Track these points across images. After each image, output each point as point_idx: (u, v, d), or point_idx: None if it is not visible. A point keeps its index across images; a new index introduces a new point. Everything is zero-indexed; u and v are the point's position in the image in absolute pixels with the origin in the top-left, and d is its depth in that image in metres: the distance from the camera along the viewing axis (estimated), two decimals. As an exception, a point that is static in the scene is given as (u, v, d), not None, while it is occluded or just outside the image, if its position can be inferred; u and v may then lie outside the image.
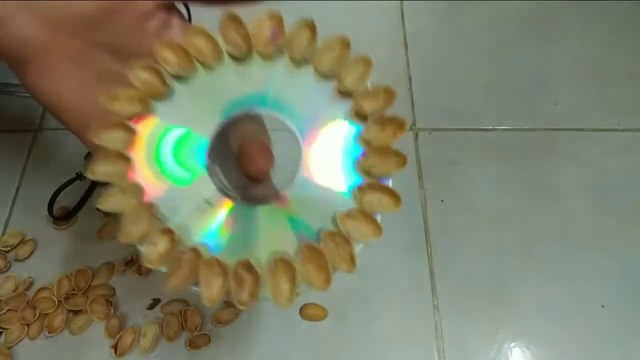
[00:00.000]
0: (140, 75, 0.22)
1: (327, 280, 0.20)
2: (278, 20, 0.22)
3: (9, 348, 0.34)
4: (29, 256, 0.38)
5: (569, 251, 0.37)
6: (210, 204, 0.22)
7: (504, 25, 0.48)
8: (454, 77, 0.45)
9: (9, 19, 0.21)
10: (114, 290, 0.36)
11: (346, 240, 0.20)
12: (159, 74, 0.22)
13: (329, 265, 0.20)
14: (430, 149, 0.42)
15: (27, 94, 0.24)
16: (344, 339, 0.34)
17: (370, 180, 0.21)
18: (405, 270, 0.37)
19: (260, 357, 0.34)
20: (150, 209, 0.21)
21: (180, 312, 0.35)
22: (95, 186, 0.40)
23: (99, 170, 0.20)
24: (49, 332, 0.34)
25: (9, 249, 0.38)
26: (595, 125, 0.42)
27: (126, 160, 0.21)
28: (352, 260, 0.20)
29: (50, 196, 0.39)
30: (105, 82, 0.23)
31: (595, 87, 0.44)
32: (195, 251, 0.20)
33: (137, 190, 0.21)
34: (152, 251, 0.20)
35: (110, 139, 0.21)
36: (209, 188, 0.22)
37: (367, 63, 0.22)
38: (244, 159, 0.23)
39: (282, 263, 0.20)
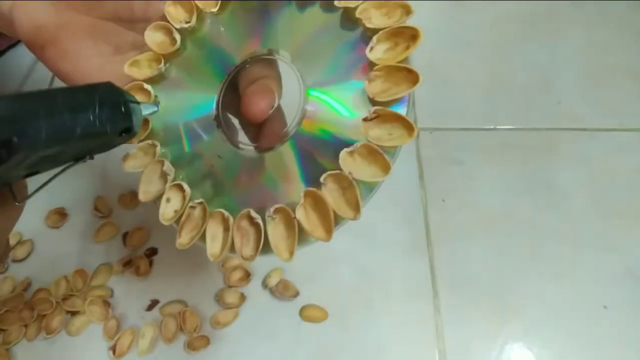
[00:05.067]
0: (153, 36, 0.23)
1: (329, 231, 0.18)
2: None
3: (7, 349, 0.34)
4: (26, 257, 0.38)
5: (570, 251, 0.37)
6: (220, 157, 0.22)
7: (506, 24, 0.48)
8: (455, 77, 0.45)
9: (21, 6, 0.21)
10: (112, 292, 0.36)
11: (351, 183, 0.18)
12: (169, 31, 0.23)
13: (330, 213, 0.18)
14: (432, 149, 0.41)
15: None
16: (344, 340, 0.34)
17: (379, 110, 0.19)
18: (406, 270, 0.36)
19: (260, 359, 0.34)
20: (161, 167, 0.21)
21: (179, 314, 0.34)
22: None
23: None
24: (47, 333, 0.34)
25: (6, 249, 0.38)
26: (597, 125, 0.42)
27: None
28: (356, 205, 0.18)
29: (47, 197, 0.39)
30: (123, 52, 0.24)
31: (597, 86, 0.44)
32: (202, 205, 0.20)
33: (153, 149, 0.21)
34: (168, 209, 0.21)
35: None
36: (219, 141, 0.22)
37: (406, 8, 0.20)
38: (244, 101, 0.22)
39: (282, 214, 0.19)
